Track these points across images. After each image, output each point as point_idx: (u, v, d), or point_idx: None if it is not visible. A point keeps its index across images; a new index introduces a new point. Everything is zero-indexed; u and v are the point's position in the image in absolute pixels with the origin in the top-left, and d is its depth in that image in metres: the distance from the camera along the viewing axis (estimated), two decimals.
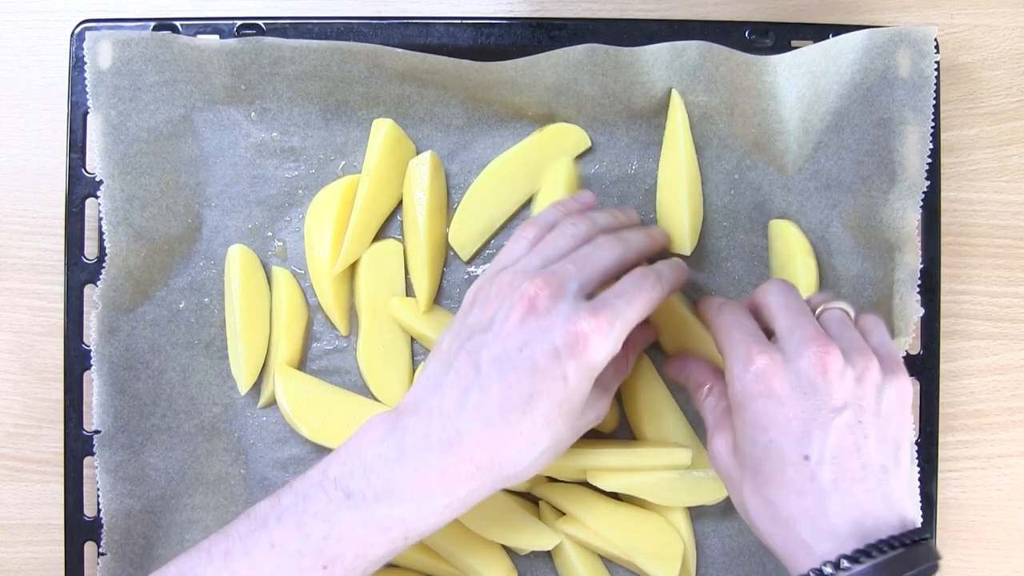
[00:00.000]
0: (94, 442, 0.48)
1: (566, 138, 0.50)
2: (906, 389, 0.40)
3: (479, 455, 0.38)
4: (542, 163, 0.50)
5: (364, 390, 0.50)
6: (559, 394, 0.39)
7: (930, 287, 0.49)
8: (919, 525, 0.38)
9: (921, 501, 0.46)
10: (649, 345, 0.49)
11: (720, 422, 0.43)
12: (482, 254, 0.51)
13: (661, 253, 0.48)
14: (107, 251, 0.47)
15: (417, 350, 0.51)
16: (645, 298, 0.41)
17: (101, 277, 0.47)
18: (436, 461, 0.38)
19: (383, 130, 0.49)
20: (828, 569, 0.36)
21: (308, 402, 0.49)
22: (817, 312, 0.42)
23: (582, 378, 0.39)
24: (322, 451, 0.50)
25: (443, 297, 0.51)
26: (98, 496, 0.48)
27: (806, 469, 0.38)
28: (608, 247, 0.42)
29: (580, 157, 0.51)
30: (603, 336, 0.39)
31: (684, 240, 0.48)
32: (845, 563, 0.36)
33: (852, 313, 0.42)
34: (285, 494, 0.39)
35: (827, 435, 0.38)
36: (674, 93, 0.49)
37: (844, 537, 0.37)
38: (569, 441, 0.41)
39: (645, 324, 0.46)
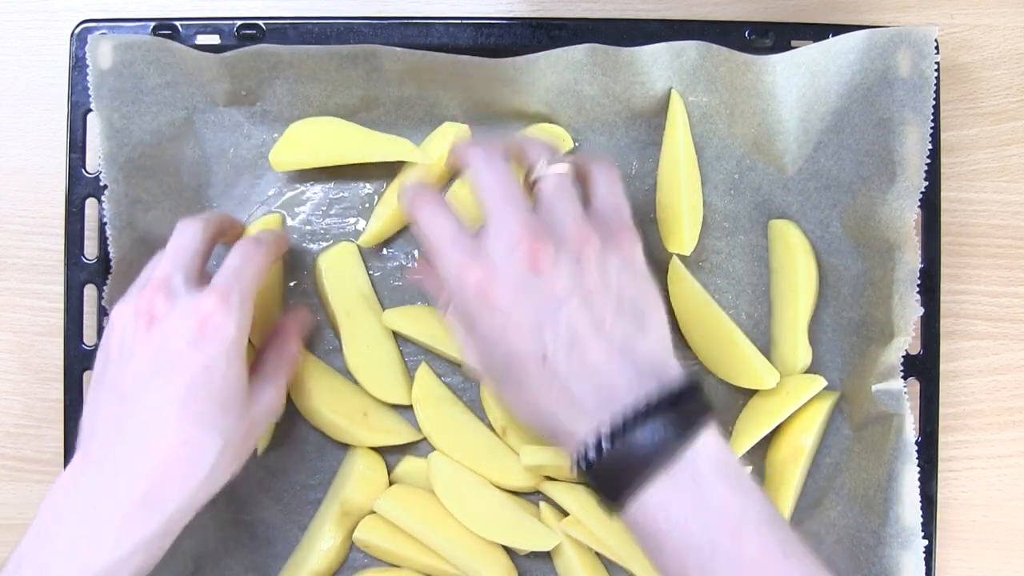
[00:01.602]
0: None
1: (549, 138, 0.50)
2: (630, 252, 0.39)
3: (144, 485, 0.38)
4: None
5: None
6: (209, 384, 0.39)
7: (930, 287, 0.49)
8: (682, 380, 0.37)
9: (921, 501, 0.46)
10: (308, 329, 0.49)
11: (468, 331, 0.41)
12: None
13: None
14: (112, 255, 0.47)
15: (404, 343, 0.51)
16: (252, 265, 0.42)
17: (107, 283, 0.47)
18: (109, 509, 0.37)
19: (456, 135, 0.49)
20: (591, 452, 0.36)
21: (316, 388, 0.49)
22: (532, 179, 0.41)
23: (224, 357, 0.39)
24: (319, 443, 0.50)
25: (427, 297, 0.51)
26: None
27: (546, 367, 0.37)
28: (184, 227, 0.43)
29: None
30: (225, 309, 0.39)
31: (684, 240, 0.48)
32: (605, 444, 0.35)
33: (570, 171, 0.41)
34: None
35: (557, 327, 0.37)
36: (674, 93, 0.49)
37: (600, 415, 0.36)
38: (245, 440, 0.41)
39: (301, 308, 0.47)
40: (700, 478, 0.35)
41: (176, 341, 0.39)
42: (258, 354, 0.46)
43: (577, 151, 0.51)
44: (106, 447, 0.39)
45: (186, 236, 0.43)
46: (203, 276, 0.42)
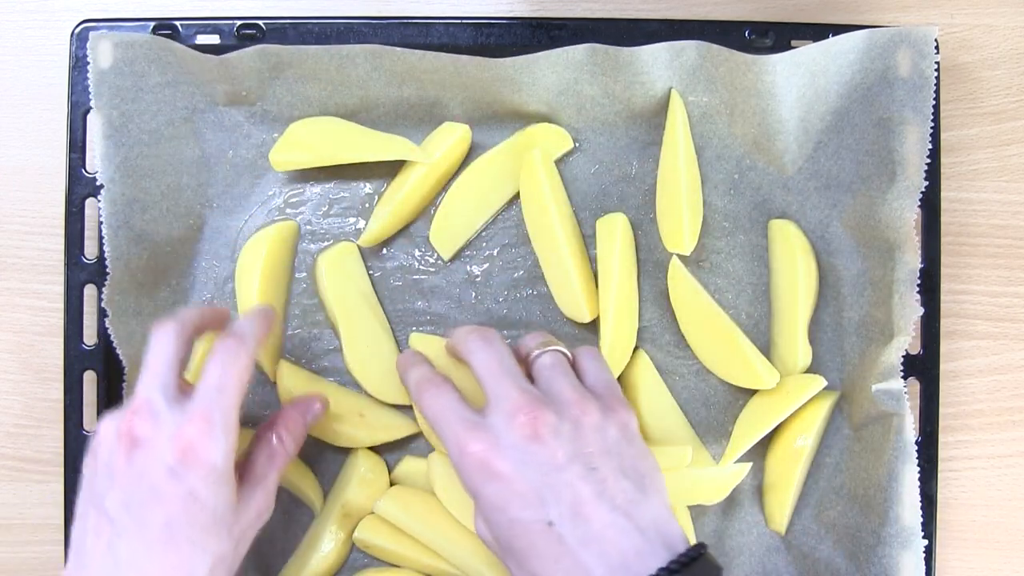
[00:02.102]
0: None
1: (548, 138, 0.50)
2: (627, 420, 0.40)
3: None
4: (523, 163, 0.50)
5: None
6: (194, 512, 0.38)
7: (930, 287, 0.49)
8: (687, 543, 0.38)
9: (921, 501, 0.46)
10: (317, 419, 0.47)
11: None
12: (463, 254, 0.51)
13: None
14: (107, 255, 0.47)
15: (404, 343, 0.51)
16: (233, 375, 0.40)
17: (106, 284, 0.47)
18: None
19: (458, 134, 0.49)
20: None
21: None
22: (530, 358, 0.42)
23: (210, 485, 0.38)
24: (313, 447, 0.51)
25: (427, 297, 0.51)
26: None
27: (553, 534, 0.37)
28: (158, 337, 0.41)
29: (580, 157, 0.51)
30: (208, 434, 0.38)
31: (684, 240, 0.48)
32: None
33: (567, 353, 0.42)
34: None
35: (560, 495, 0.37)
36: (673, 93, 0.49)
37: None
38: (237, 549, 0.40)
39: (311, 398, 0.46)
40: None
41: (158, 470, 0.38)
42: (248, 453, 0.44)
43: (577, 151, 0.51)
44: (101, 567, 0.38)
45: (161, 347, 0.41)
46: (186, 385, 0.41)
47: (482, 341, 0.42)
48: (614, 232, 0.49)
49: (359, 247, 0.51)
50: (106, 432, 0.40)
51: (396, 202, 0.49)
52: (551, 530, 0.37)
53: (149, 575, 0.37)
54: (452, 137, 0.49)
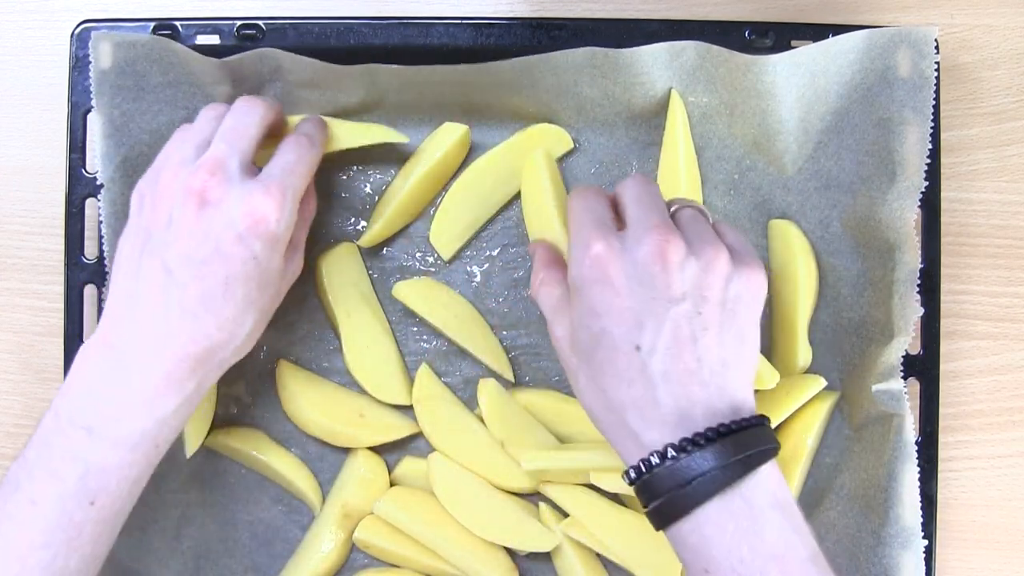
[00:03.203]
0: None
1: (548, 139, 0.50)
2: (758, 282, 0.39)
3: (193, 349, 0.40)
4: (523, 163, 0.50)
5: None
6: (253, 272, 0.40)
7: (930, 287, 0.49)
8: (754, 413, 0.38)
9: (921, 501, 0.46)
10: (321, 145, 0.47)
11: (559, 309, 0.41)
12: (463, 254, 0.51)
13: None
14: (107, 255, 0.47)
15: (404, 343, 0.51)
16: (305, 162, 0.43)
17: (106, 284, 0.47)
18: (157, 367, 0.39)
19: (458, 135, 0.49)
20: (655, 459, 0.36)
21: (308, 398, 0.49)
22: (672, 210, 0.41)
23: (270, 251, 0.41)
24: (313, 445, 0.51)
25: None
26: None
27: (636, 359, 0.37)
28: (247, 109, 0.43)
29: (580, 157, 0.51)
30: (278, 209, 0.40)
31: None
32: (672, 452, 0.36)
33: (708, 215, 0.42)
34: (29, 448, 0.39)
35: (661, 326, 0.37)
36: (673, 93, 0.49)
37: (672, 426, 0.36)
38: (273, 305, 0.44)
39: (310, 122, 0.47)
40: (756, 508, 0.35)
41: (226, 231, 0.40)
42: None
43: (577, 152, 0.51)
44: (152, 313, 0.40)
45: (248, 117, 0.43)
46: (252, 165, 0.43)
47: (638, 181, 0.41)
48: None
49: (359, 247, 0.51)
50: (172, 185, 0.41)
51: (396, 202, 0.49)
52: (636, 354, 0.37)
53: (203, 324, 0.40)
54: (452, 137, 0.49)
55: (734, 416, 0.37)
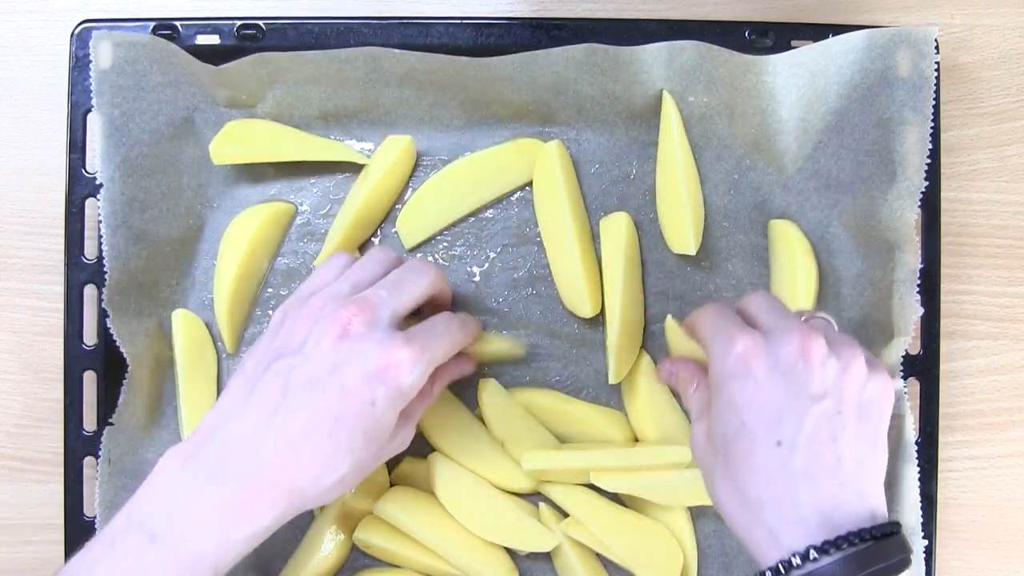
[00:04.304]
0: (103, 433, 0.48)
1: (535, 153, 0.50)
2: (889, 389, 0.40)
3: (282, 479, 0.38)
4: (504, 173, 0.50)
5: None
6: (366, 418, 0.39)
7: (930, 287, 0.49)
8: (887, 519, 0.38)
9: (921, 501, 0.46)
10: (463, 376, 0.49)
11: (702, 412, 0.42)
12: (423, 248, 0.51)
13: None
14: (105, 255, 0.47)
15: None
16: (453, 338, 0.43)
17: (105, 284, 0.47)
18: (236, 492, 0.38)
19: (400, 147, 0.49)
20: (796, 560, 0.35)
21: None
22: (803, 319, 0.42)
23: (389, 404, 0.39)
24: None
25: None
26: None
27: (777, 455, 0.37)
28: (418, 271, 0.43)
29: (580, 157, 0.51)
30: (413, 365, 0.39)
31: (688, 240, 0.48)
32: (814, 554, 0.35)
33: (835, 324, 0.42)
34: (95, 544, 0.38)
35: (802, 422, 0.37)
36: (665, 95, 0.49)
37: (812, 528, 0.36)
38: (370, 468, 0.41)
39: (459, 355, 0.46)
40: None
41: (356, 367, 0.39)
42: None
43: (577, 152, 0.51)
44: (252, 433, 0.38)
45: (417, 278, 0.43)
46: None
47: (763, 294, 0.43)
48: (618, 232, 0.49)
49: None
50: (317, 312, 0.40)
51: (347, 220, 0.49)
52: (777, 450, 0.37)
53: (297, 456, 0.38)
54: (396, 150, 0.49)
55: (873, 521, 0.36)
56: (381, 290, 0.41)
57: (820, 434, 0.37)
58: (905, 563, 0.36)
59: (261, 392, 0.39)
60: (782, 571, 0.36)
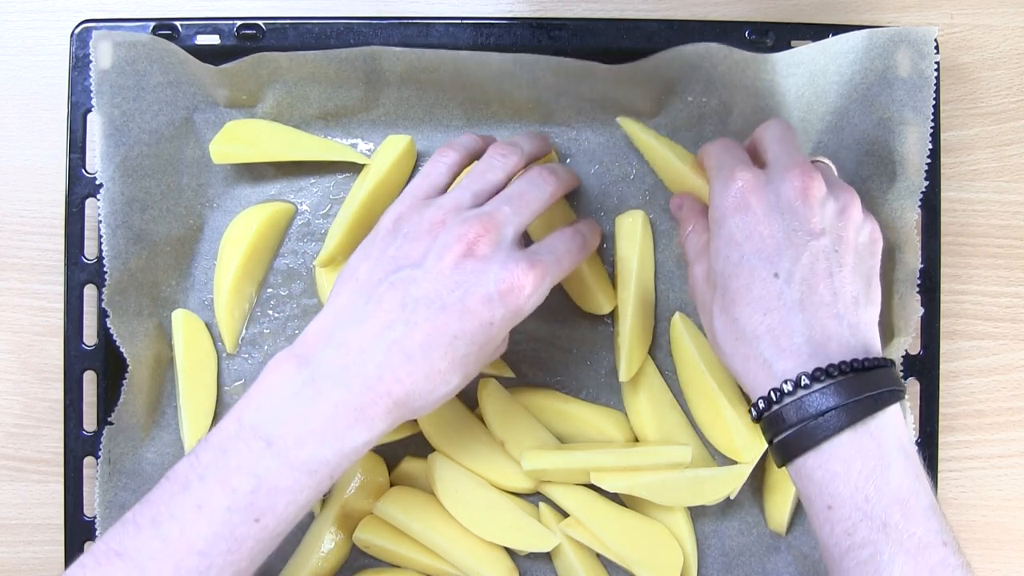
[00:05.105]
0: (103, 433, 0.48)
1: None
2: (879, 234, 0.41)
3: (397, 390, 0.38)
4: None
5: None
6: (482, 337, 0.39)
7: (930, 287, 0.49)
8: (881, 354, 0.38)
9: None
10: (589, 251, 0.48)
11: (700, 253, 0.43)
12: None
13: None
14: (105, 254, 0.47)
15: None
16: (573, 259, 0.42)
17: (105, 284, 0.47)
18: (354, 398, 0.38)
19: (400, 147, 0.49)
20: (788, 387, 0.36)
21: None
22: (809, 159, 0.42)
23: (506, 325, 0.40)
24: None
25: None
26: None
27: (774, 286, 0.38)
28: (542, 183, 0.43)
29: (580, 157, 0.51)
30: (535, 288, 0.39)
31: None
32: (805, 380, 0.36)
33: (834, 169, 0.43)
34: (203, 451, 0.37)
35: (800, 256, 0.38)
36: (621, 121, 0.50)
37: (805, 356, 0.37)
38: (473, 376, 0.41)
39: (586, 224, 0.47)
40: (884, 448, 0.36)
41: (478, 288, 0.38)
42: None
43: (577, 152, 0.51)
44: (370, 343, 0.38)
45: (539, 191, 0.42)
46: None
47: (780, 123, 0.43)
48: (634, 229, 0.49)
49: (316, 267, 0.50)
50: (440, 226, 0.40)
51: (347, 220, 0.49)
52: (774, 281, 0.38)
53: (415, 368, 0.38)
54: (396, 149, 0.49)
55: (866, 354, 0.37)
56: (505, 206, 0.40)
57: (817, 268, 0.38)
58: (896, 395, 0.37)
59: (378, 302, 0.39)
60: (774, 399, 0.37)
